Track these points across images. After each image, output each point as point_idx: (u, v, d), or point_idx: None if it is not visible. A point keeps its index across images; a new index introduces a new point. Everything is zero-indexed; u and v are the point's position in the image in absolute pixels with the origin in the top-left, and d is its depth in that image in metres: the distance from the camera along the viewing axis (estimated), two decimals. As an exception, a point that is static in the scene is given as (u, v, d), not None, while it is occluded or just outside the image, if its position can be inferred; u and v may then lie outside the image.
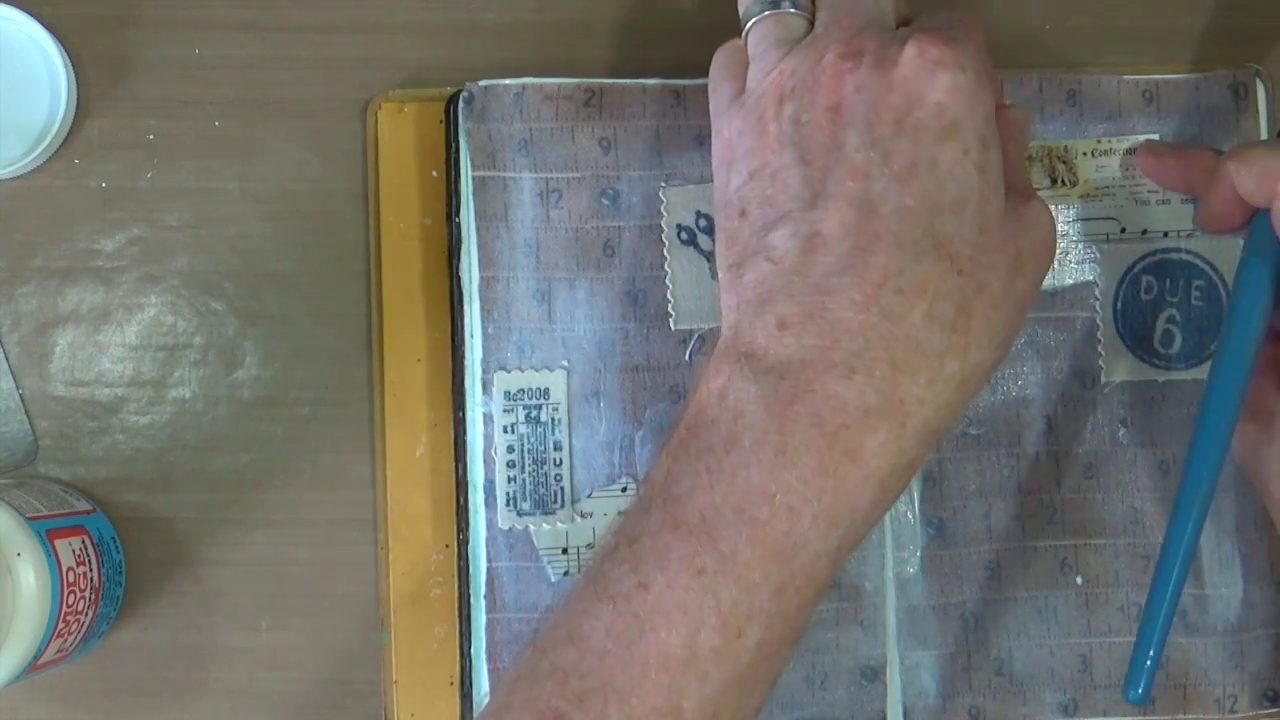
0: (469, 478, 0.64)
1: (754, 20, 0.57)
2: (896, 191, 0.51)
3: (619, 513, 0.59)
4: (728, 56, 0.58)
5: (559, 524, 0.63)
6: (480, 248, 0.64)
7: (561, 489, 0.64)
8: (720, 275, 0.55)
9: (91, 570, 0.62)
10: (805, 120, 0.53)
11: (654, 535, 0.50)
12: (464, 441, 0.64)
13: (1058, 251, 0.66)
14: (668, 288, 0.64)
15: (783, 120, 0.53)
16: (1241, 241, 0.65)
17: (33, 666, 0.59)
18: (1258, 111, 0.66)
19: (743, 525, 0.49)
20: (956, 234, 0.51)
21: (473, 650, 0.64)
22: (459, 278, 0.64)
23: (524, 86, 0.64)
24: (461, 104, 0.64)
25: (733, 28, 0.65)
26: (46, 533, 0.60)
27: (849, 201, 0.51)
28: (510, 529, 0.64)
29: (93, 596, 0.62)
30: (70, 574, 0.60)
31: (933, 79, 0.52)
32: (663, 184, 0.64)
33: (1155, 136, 0.66)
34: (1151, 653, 0.59)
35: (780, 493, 0.50)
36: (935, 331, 0.51)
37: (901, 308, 0.50)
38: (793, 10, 0.56)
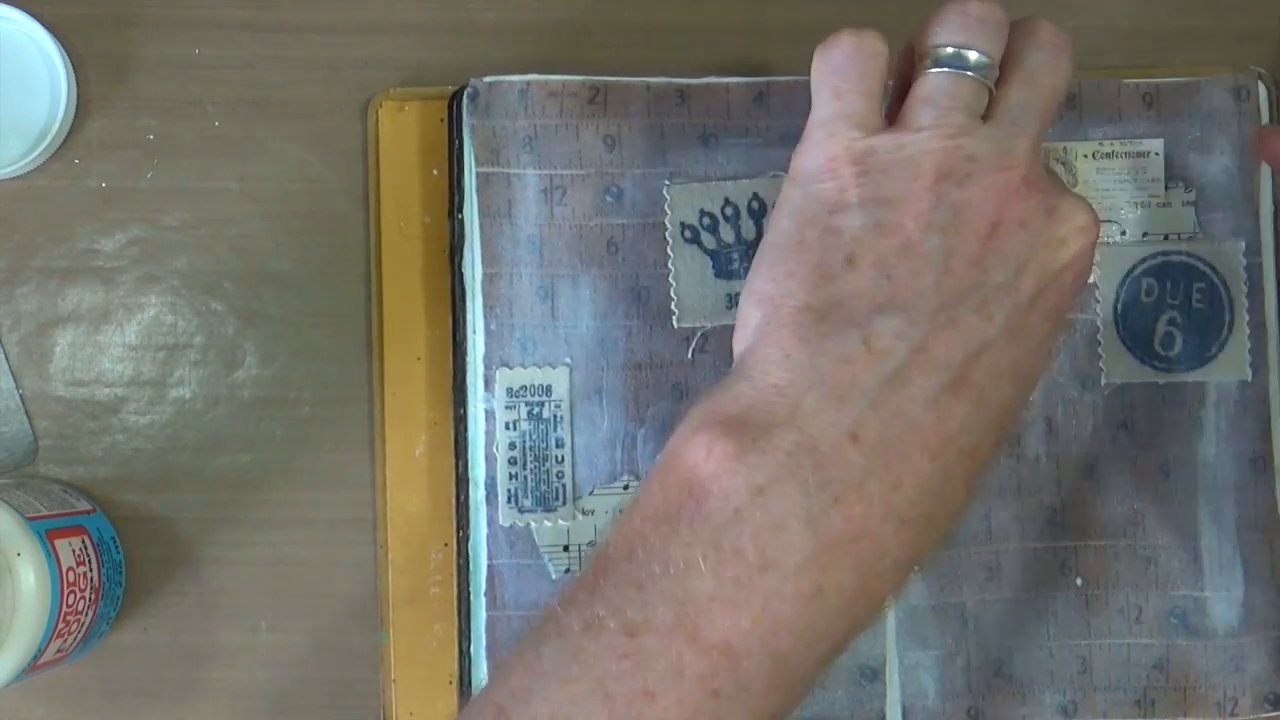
0: (470, 474, 0.64)
1: (950, 70, 0.52)
2: (1002, 348, 0.49)
3: (595, 558, 0.54)
4: (866, 62, 0.52)
5: (560, 521, 0.63)
6: (484, 244, 0.64)
7: (563, 486, 0.63)
8: (781, 295, 0.51)
9: (91, 570, 0.62)
10: (965, 218, 0.50)
11: (665, 638, 0.47)
12: (465, 438, 0.64)
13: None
14: (671, 285, 0.64)
15: (941, 198, 0.50)
16: (1243, 245, 0.65)
17: (33, 666, 0.59)
18: (1259, 114, 0.66)
19: (765, 656, 0.47)
20: (1014, 405, 0.50)
21: (472, 648, 0.64)
22: (461, 274, 0.64)
23: (528, 83, 0.64)
24: (465, 100, 0.64)
25: (730, 29, 0.66)
26: (46, 533, 0.60)
27: (965, 336, 0.49)
28: (511, 526, 0.63)
29: (93, 596, 0.62)
30: (70, 574, 0.60)
31: (1080, 258, 0.51)
32: (666, 182, 0.64)
33: (1158, 141, 0.66)
34: None
35: (807, 631, 0.47)
36: (963, 495, 0.50)
37: (957, 467, 0.49)
38: (988, 83, 0.52)
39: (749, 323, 0.51)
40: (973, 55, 0.52)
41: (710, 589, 0.47)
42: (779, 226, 0.52)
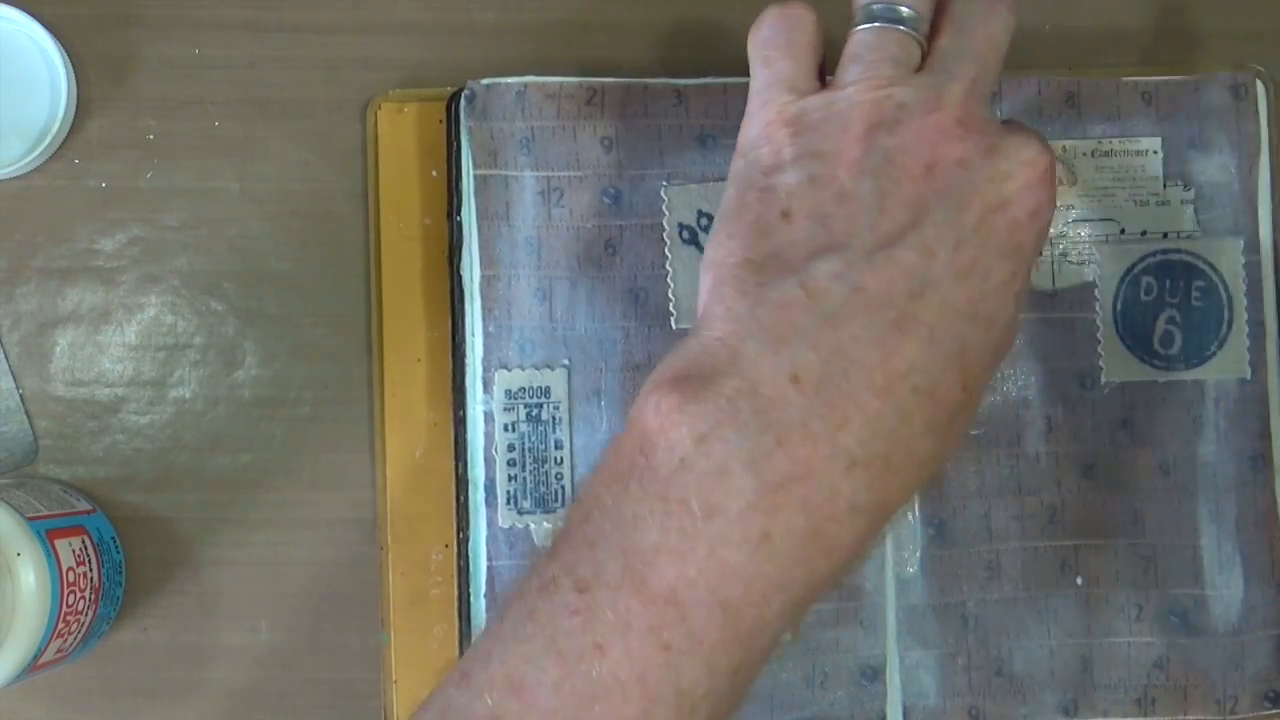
0: (470, 476, 0.64)
1: (876, 25, 0.53)
2: (950, 285, 0.49)
3: (557, 527, 0.55)
4: (791, 29, 0.54)
5: (560, 522, 0.63)
6: (482, 246, 0.64)
7: (562, 487, 0.63)
8: (723, 256, 0.51)
9: (91, 570, 0.62)
10: (898, 162, 0.50)
11: (613, 591, 0.47)
12: (464, 440, 0.65)
13: (1057, 253, 0.66)
14: (669, 286, 0.64)
15: (872, 146, 0.50)
16: (1242, 243, 0.65)
17: (33, 666, 0.59)
18: (1258, 113, 0.66)
19: (715, 606, 0.47)
20: (976, 350, 0.50)
21: (473, 649, 0.64)
22: (460, 276, 0.64)
23: (526, 85, 0.64)
24: (463, 102, 0.64)
25: (728, 29, 0.65)
26: (46, 533, 0.60)
27: (905, 272, 0.48)
28: (511, 527, 0.64)
29: (93, 596, 0.62)
30: (70, 574, 0.60)
31: (1029, 192, 0.50)
32: (664, 183, 0.64)
33: (1157, 139, 0.66)
34: None
35: (758, 579, 0.47)
36: (928, 440, 0.49)
37: (913, 408, 0.48)
38: (916, 35, 0.53)
39: (701, 290, 0.52)
40: (899, 9, 0.52)
41: (656, 540, 0.47)
42: (725, 196, 0.53)
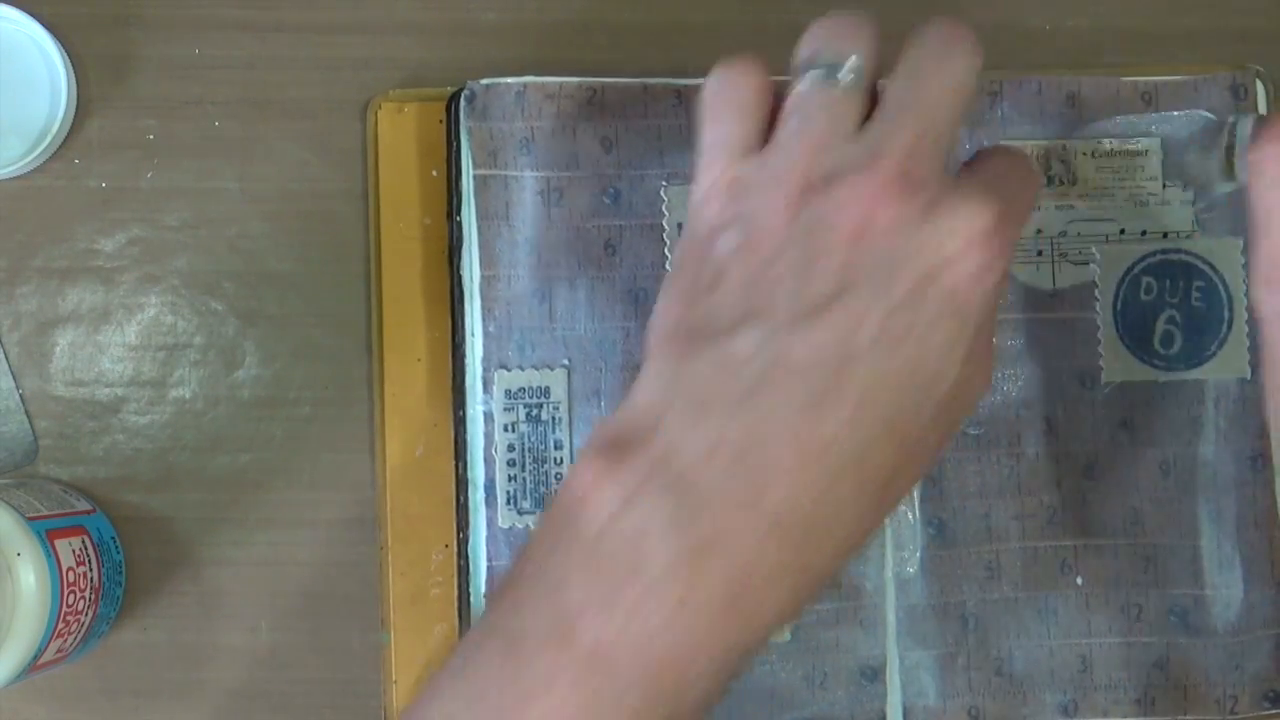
0: (469, 476, 0.64)
1: (819, 85, 0.51)
2: (882, 353, 0.48)
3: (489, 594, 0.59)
4: (736, 86, 0.53)
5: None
6: (481, 246, 0.64)
7: (562, 488, 0.64)
8: (660, 318, 0.51)
9: (91, 570, 0.62)
10: (827, 224, 0.48)
11: (539, 644, 0.48)
12: (464, 440, 0.64)
13: (1057, 253, 0.66)
14: (669, 286, 0.64)
15: (801, 213, 0.49)
16: (1241, 242, 0.65)
17: (33, 666, 0.59)
18: (1257, 112, 0.66)
19: (638, 666, 0.47)
20: (914, 414, 0.49)
21: (473, 650, 0.64)
22: (459, 276, 0.64)
23: (525, 85, 0.64)
24: (463, 102, 0.64)
25: (729, 27, 0.65)
26: (46, 533, 0.60)
27: (832, 340, 0.47)
28: (511, 528, 0.63)
29: (93, 596, 0.62)
30: (70, 574, 0.60)
31: (973, 250, 0.48)
32: (664, 183, 0.64)
33: (1157, 140, 0.66)
34: None
35: (676, 645, 0.47)
36: (859, 504, 0.48)
37: (838, 473, 0.48)
38: (859, 88, 0.51)
39: (643, 349, 0.52)
40: (838, 63, 0.51)
41: (580, 599, 0.47)
42: (673, 258, 0.53)
